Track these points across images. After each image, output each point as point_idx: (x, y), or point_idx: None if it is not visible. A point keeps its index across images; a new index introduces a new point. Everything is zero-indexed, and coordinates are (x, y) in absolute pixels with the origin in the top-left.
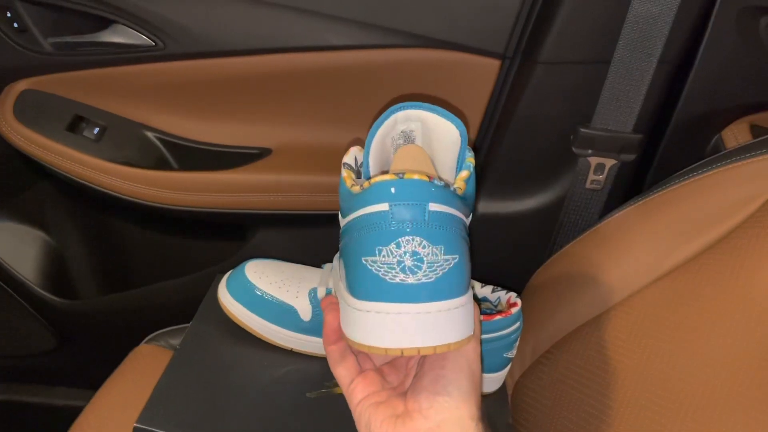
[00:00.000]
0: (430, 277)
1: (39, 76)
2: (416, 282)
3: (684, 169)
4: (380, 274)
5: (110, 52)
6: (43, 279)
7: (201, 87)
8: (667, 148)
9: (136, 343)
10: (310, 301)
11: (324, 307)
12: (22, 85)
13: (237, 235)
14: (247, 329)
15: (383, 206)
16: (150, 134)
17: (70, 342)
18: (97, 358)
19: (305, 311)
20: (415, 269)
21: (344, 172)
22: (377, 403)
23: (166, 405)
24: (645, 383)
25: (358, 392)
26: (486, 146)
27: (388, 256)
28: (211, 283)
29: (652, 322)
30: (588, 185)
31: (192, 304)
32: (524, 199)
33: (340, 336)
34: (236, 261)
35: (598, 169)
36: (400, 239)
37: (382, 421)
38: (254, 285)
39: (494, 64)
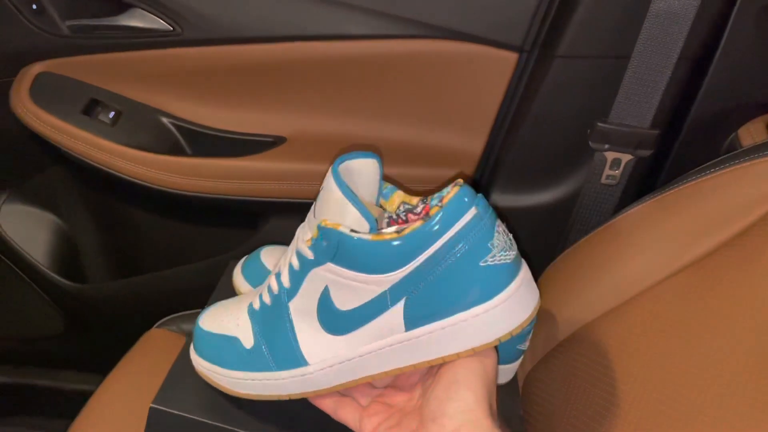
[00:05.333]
0: (515, 244)
1: (55, 58)
2: (516, 252)
3: (700, 166)
4: (503, 261)
5: (127, 36)
6: (53, 262)
7: (217, 73)
8: (682, 145)
9: (145, 328)
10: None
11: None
12: (38, 68)
13: (249, 223)
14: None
15: (473, 211)
16: (165, 120)
17: (79, 326)
18: (106, 342)
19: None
20: (512, 241)
21: (372, 237)
22: (390, 427)
23: (182, 387)
24: (656, 381)
25: (368, 425)
26: (501, 139)
27: (499, 243)
28: (225, 270)
29: (666, 319)
30: (603, 180)
31: (202, 291)
32: (538, 192)
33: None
34: (247, 249)
35: (614, 165)
36: (497, 226)
37: None
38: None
39: (511, 57)
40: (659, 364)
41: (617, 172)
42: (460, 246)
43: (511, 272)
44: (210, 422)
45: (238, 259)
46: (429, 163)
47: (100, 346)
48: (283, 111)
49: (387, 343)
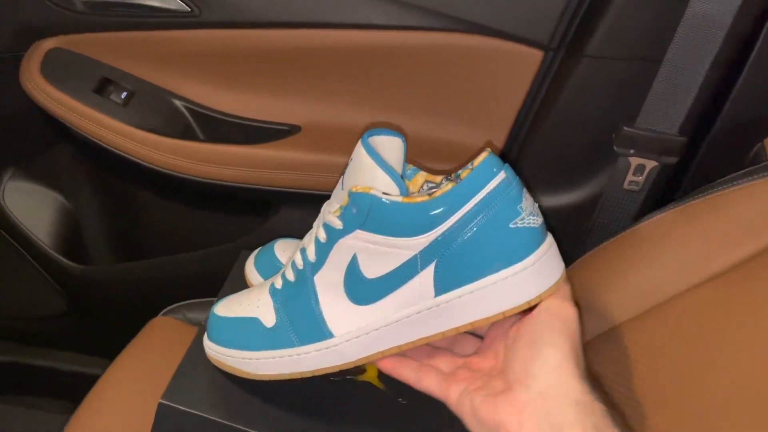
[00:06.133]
0: (540, 213)
1: (69, 35)
2: (542, 219)
3: (727, 177)
4: (531, 225)
5: (143, 15)
6: (56, 242)
7: (233, 58)
8: (707, 154)
9: (149, 314)
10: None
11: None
12: (50, 43)
13: (258, 212)
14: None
15: (502, 175)
16: (178, 103)
17: (82, 308)
18: (108, 326)
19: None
20: (538, 209)
21: (403, 199)
22: (476, 389)
23: (191, 382)
24: (674, 392)
25: (454, 391)
26: (521, 138)
27: (527, 207)
28: (236, 259)
29: (688, 331)
30: (626, 186)
31: (209, 279)
32: (557, 194)
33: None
34: (256, 237)
35: (638, 170)
36: (523, 191)
37: (481, 402)
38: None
39: (537, 54)
40: (678, 375)
41: (640, 179)
42: (490, 207)
43: (539, 235)
44: (220, 420)
45: (247, 248)
46: (446, 158)
47: (102, 329)
48: (300, 99)
49: (415, 310)
